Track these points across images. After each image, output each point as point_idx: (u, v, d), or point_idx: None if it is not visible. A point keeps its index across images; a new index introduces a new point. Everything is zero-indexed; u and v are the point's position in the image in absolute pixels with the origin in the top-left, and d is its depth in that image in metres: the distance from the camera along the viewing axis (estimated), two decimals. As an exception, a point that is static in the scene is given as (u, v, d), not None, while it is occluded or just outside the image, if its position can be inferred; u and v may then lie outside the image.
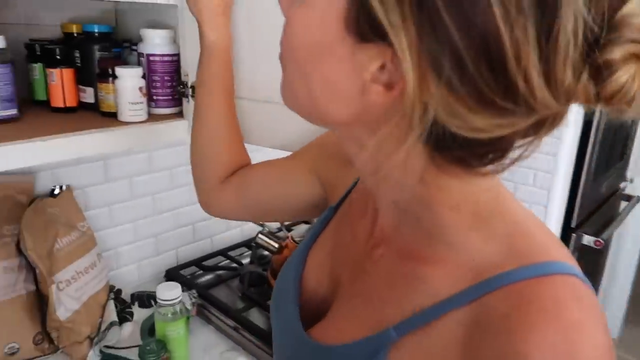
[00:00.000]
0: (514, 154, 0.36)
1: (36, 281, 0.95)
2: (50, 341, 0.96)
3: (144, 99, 0.84)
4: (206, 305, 1.10)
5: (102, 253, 1.11)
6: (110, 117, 0.85)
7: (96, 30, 0.86)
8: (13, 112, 0.77)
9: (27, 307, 0.94)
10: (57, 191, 1.03)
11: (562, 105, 0.32)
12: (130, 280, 1.20)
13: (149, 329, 1.01)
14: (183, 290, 1.12)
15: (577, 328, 0.34)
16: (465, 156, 0.37)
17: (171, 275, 1.21)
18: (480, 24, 0.30)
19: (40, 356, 0.95)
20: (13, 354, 0.91)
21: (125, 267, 1.20)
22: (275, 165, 0.69)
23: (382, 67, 0.34)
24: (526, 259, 0.37)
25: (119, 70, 0.80)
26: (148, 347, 0.83)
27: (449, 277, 0.39)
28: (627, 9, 0.30)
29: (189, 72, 0.84)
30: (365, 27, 0.34)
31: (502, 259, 0.38)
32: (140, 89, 0.82)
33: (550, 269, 0.36)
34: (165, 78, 0.88)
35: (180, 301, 0.89)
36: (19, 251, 0.93)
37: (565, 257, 0.38)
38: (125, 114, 0.82)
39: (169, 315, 0.87)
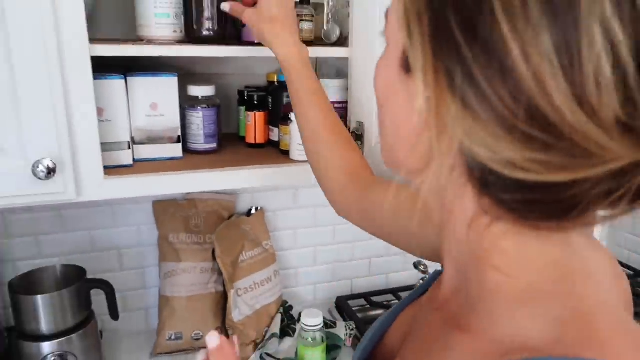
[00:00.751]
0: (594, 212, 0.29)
1: (223, 285, 1.14)
2: (227, 337, 1.13)
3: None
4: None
5: (282, 271, 1.25)
6: (285, 155, 0.97)
7: (284, 80, 1.00)
8: (213, 145, 0.96)
9: (213, 304, 1.13)
10: (252, 211, 1.22)
11: (618, 143, 0.25)
12: (304, 299, 1.31)
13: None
14: (344, 320, 1.18)
15: None
16: (515, 203, 0.31)
17: (340, 303, 1.28)
18: (488, 35, 0.27)
19: (217, 348, 1.13)
20: (197, 339, 1.11)
21: (302, 287, 1.32)
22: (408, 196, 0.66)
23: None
24: (570, 351, 0.30)
25: (292, 115, 0.92)
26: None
27: (478, 351, 0.34)
28: None
29: (356, 117, 0.91)
30: (406, 62, 0.34)
31: (543, 344, 0.31)
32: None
33: None
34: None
35: (320, 329, 0.94)
36: (214, 257, 1.13)
37: (625, 355, 0.30)
38: (294, 154, 0.93)
39: (309, 339, 0.94)
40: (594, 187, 0.28)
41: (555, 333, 0.31)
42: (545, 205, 0.30)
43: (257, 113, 1.00)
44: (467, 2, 0.28)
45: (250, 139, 1.02)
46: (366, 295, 1.31)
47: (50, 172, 0.73)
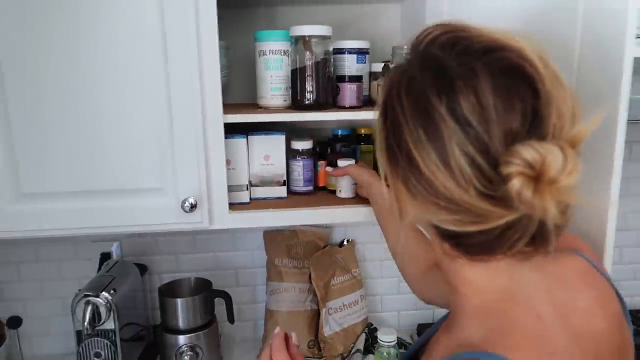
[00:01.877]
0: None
1: (317, 303, 1.35)
2: (318, 349, 1.34)
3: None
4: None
5: (369, 297, 1.43)
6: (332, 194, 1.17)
7: (339, 133, 1.22)
8: (310, 188, 1.19)
9: (308, 319, 1.35)
10: (344, 243, 1.42)
11: (489, 206, 0.46)
12: (389, 324, 1.47)
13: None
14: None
15: None
16: (460, 245, 0.52)
17: (421, 330, 1.43)
18: (411, 156, 0.50)
19: (310, 357, 1.34)
20: (294, 349, 1.33)
21: (387, 313, 1.48)
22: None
23: None
24: (490, 348, 0.48)
25: (339, 162, 1.12)
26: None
27: (449, 346, 0.54)
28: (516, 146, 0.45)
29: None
30: None
31: (478, 343, 0.50)
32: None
33: (479, 355, 0.48)
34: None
35: (394, 345, 1.11)
36: (310, 280, 1.35)
37: (514, 356, 0.47)
38: (340, 193, 1.15)
39: (384, 354, 1.11)
40: (502, 234, 0.46)
41: (486, 336, 0.50)
42: (478, 246, 0.50)
43: (322, 161, 1.21)
44: (401, 144, 0.51)
45: (322, 183, 1.22)
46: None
47: (193, 207, 1.00)
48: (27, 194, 0.99)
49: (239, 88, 1.27)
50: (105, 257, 1.36)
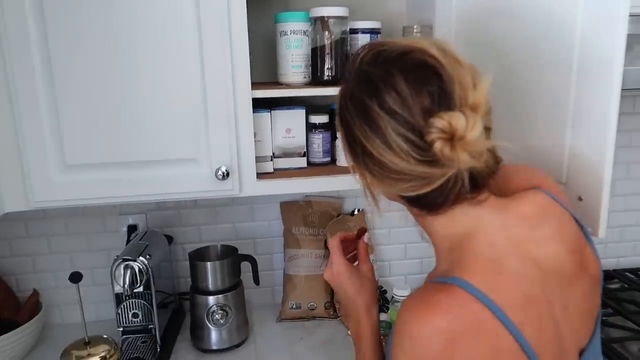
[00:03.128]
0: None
1: (333, 268, 1.45)
2: (334, 310, 1.45)
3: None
4: None
5: (378, 263, 1.54)
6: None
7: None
8: (328, 159, 1.29)
9: (324, 283, 1.45)
10: (355, 212, 1.53)
11: (429, 169, 0.61)
12: (397, 287, 1.58)
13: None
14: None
15: (422, 307, 0.59)
16: (422, 205, 0.68)
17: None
18: (364, 147, 0.65)
19: (326, 317, 1.45)
20: (312, 309, 1.43)
21: (395, 277, 1.60)
22: None
23: None
24: (450, 274, 0.63)
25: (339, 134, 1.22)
26: (381, 324, 1.19)
27: (430, 278, 0.68)
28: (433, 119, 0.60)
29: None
30: None
31: (444, 271, 0.66)
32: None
33: (445, 280, 0.62)
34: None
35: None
36: (325, 246, 1.45)
37: (466, 276, 0.61)
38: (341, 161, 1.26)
39: (399, 306, 1.22)
40: (447, 189, 0.63)
41: (449, 267, 0.65)
42: (434, 202, 0.66)
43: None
44: (352, 135, 0.67)
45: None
46: (449, 286, 1.55)
47: (224, 175, 1.10)
48: (71, 166, 1.07)
49: (258, 68, 1.36)
50: (131, 229, 1.45)
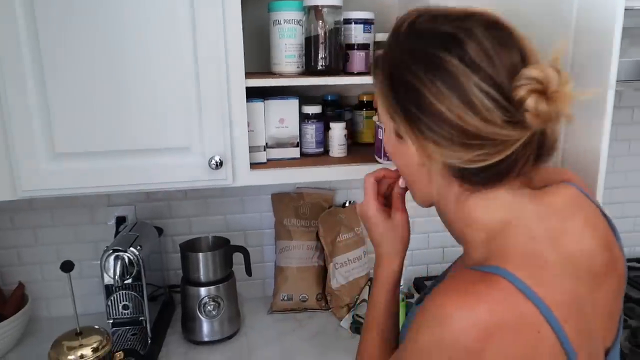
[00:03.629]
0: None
1: (324, 260, 1.45)
2: (325, 301, 1.45)
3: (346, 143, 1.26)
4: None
5: (370, 255, 1.54)
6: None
7: (329, 99, 1.34)
8: (321, 150, 1.28)
9: (316, 275, 1.45)
10: (347, 204, 1.53)
11: (511, 131, 0.56)
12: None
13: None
14: (419, 293, 1.45)
15: (461, 295, 0.55)
16: (480, 178, 0.61)
17: (417, 283, 1.55)
18: (432, 108, 0.59)
19: (317, 309, 1.44)
20: (304, 301, 1.43)
21: (386, 268, 1.60)
22: None
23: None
24: (487, 263, 0.60)
25: (331, 124, 1.24)
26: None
27: (457, 270, 0.67)
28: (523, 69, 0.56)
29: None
30: (398, 133, 0.66)
31: (481, 261, 0.61)
32: (345, 136, 1.25)
33: (486, 268, 0.58)
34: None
35: (400, 291, 1.22)
36: (317, 237, 1.45)
37: (510, 267, 0.57)
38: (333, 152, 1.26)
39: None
40: (516, 157, 0.58)
41: (488, 256, 0.61)
42: (496, 174, 0.60)
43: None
44: (414, 100, 0.60)
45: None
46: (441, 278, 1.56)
47: (218, 165, 1.08)
48: (61, 154, 1.05)
49: (250, 58, 1.34)
50: (120, 220, 1.43)
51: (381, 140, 1.17)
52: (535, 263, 0.58)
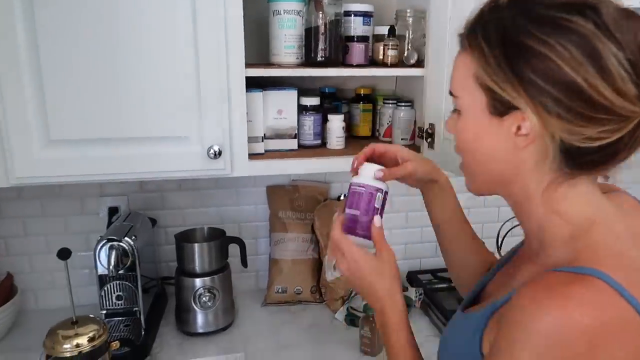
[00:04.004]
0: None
1: (319, 252, 1.45)
2: (320, 294, 1.44)
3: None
4: (429, 302, 1.40)
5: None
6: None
7: (327, 91, 1.35)
8: (318, 141, 1.28)
9: (310, 267, 1.45)
10: (342, 197, 1.53)
11: (636, 106, 0.52)
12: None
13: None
14: (412, 286, 1.45)
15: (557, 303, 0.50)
16: (587, 162, 0.56)
17: (411, 276, 1.56)
18: (561, 76, 0.53)
19: (312, 302, 1.44)
20: (298, 293, 1.43)
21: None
22: None
23: (519, 126, 0.57)
24: (576, 264, 0.54)
25: (329, 116, 1.24)
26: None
27: (532, 271, 0.61)
28: None
29: (428, 120, 1.19)
30: (500, 108, 0.58)
31: (566, 263, 0.56)
32: (343, 128, 1.26)
33: (577, 270, 0.53)
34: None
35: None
36: (312, 230, 1.45)
37: (604, 268, 0.52)
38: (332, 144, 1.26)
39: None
40: (627, 139, 0.54)
41: (575, 257, 0.56)
42: (604, 155, 0.56)
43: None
44: (538, 68, 0.53)
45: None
46: (433, 272, 1.57)
47: (217, 154, 1.07)
48: (56, 141, 1.03)
49: (249, 49, 1.33)
50: (113, 211, 1.41)
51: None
52: (627, 264, 0.55)
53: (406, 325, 0.73)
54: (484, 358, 0.59)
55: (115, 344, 0.93)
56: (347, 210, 0.79)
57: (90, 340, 0.88)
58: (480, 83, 0.59)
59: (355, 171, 0.84)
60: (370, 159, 0.87)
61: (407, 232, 1.61)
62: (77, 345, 0.86)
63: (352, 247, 0.75)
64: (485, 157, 0.63)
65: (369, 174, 0.81)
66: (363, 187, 0.79)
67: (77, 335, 0.87)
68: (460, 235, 0.90)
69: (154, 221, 1.40)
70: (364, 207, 0.78)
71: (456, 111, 0.66)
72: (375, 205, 0.79)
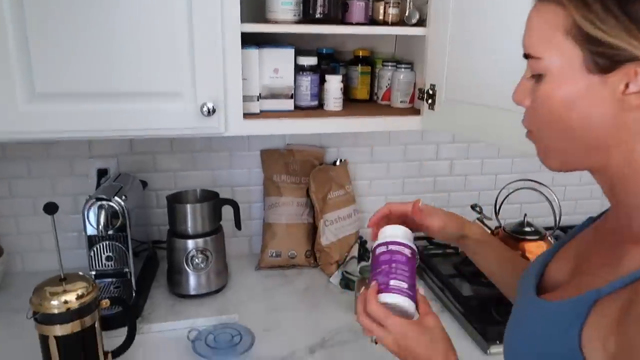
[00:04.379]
0: None
1: (314, 217, 1.43)
2: (314, 258, 1.43)
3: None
4: (424, 267, 1.39)
5: (359, 214, 1.53)
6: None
7: (324, 52, 1.31)
8: (315, 103, 1.24)
9: (305, 232, 1.43)
10: (337, 162, 1.50)
11: None
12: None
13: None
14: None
15: None
16: None
17: (405, 243, 1.54)
18: None
19: (306, 266, 1.43)
20: (293, 258, 1.41)
21: (374, 229, 1.59)
22: None
23: (627, 83, 0.49)
24: None
25: (326, 76, 1.21)
26: (367, 267, 1.19)
27: None
28: None
29: (429, 80, 1.16)
30: (604, 64, 0.49)
31: None
32: (341, 89, 1.22)
33: None
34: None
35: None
36: (307, 194, 1.42)
37: None
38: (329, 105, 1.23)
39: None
40: None
41: None
42: None
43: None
44: None
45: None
46: (428, 238, 1.55)
47: (210, 112, 1.03)
48: (41, 94, 0.98)
49: (244, 7, 1.28)
50: (102, 173, 1.37)
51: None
52: None
53: None
54: (584, 353, 0.51)
55: (106, 302, 0.91)
56: (379, 277, 0.72)
57: (79, 297, 0.85)
58: (574, 36, 0.50)
59: (374, 234, 0.80)
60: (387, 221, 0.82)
61: (403, 199, 1.59)
62: (66, 302, 0.84)
63: (396, 320, 0.68)
64: (578, 125, 0.53)
65: (396, 232, 0.76)
66: (394, 245, 0.74)
67: (65, 292, 0.85)
68: (508, 271, 0.84)
69: (144, 183, 1.37)
70: (401, 267, 0.72)
71: (533, 77, 0.56)
72: (410, 265, 0.73)
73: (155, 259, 1.42)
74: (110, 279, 1.19)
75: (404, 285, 0.70)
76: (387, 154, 1.54)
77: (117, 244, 1.15)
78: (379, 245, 0.75)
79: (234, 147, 1.45)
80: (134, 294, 1.17)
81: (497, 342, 1.09)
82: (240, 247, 1.52)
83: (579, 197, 1.76)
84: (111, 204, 1.12)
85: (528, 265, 0.73)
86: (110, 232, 1.14)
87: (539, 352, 0.57)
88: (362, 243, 1.47)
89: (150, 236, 1.44)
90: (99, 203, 1.11)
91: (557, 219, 1.31)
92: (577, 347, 0.52)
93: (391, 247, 0.73)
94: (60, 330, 0.85)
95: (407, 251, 0.74)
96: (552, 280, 0.66)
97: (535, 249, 1.26)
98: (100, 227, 1.10)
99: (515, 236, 1.28)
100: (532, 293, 0.64)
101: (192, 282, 1.23)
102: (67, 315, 0.85)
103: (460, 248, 0.88)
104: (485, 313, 1.18)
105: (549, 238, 1.29)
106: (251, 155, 1.46)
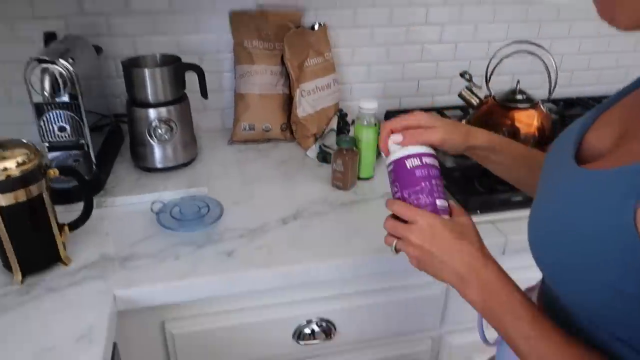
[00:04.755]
0: None
1: (290, 87, 1.31)
2: (290, 132, 1.34)
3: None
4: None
5: (339, 85, 1.41)
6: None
7: None
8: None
9: (280, 103, 1.32)
10: (316, 27, 1.34)
11: None
12: (363, 101, 1.48)
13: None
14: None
15: None
16: None
17: (389, 116, 1.45)
18: None
19: (282, 140, 1.34)
20: (267, 131, 1.32)
21: (356, 102, 1.46)
22: None
23: None
24: None
25: None
26: (345, 138, 1.10)
27: None
28: None
29: None
30: None
31: None
32: None
33: None
34: None
35: (374, 114, 1.12)
36: (282, 62, 1.29)
37: None
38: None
39: (364, 121, 1.12)
40: None
41: None
42: None
43: None
44: None
45: None
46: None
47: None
48: None
49: None
50: (50, 37, 1.21)
51: None
52: None
53: (514, 283, 0.59)
54: (638, 229, 0.43)
55: (54, 171, 0.82)
56: (421, 195, 0.65)
57: (20, 164, 0.76)
58: None
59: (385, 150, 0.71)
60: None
61: (387, 69, 1.47)
62: (5, 169, 0.75)
63: (419, 211, 0.64)
64: None
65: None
66: (427, 158, 0.67)
67: (3, 158, 0.76)
68: (525, 172, 0.76)
69: (99, 49, 1.22)
70: (439, 183, 0.67)
71: None
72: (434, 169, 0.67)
73: (119, 132, 1.32)
74: (67, 152, 1.09)
75: (446, 204, 0.67)
76: (372, 17, 1.39)
77: (69, 113, 1.04)
78: (410, 156, 0.66)
79: (199, 7, 1.28)
80: (94, 167, 1.09)
81: (478, 211, 1.05)
82: (212, 121, 1.42)
83: (576, 67, 1.65)
84: (56, 66, 0.99)
85: (559, 135, 0.63)
86: (60, 99, 1.02)
87: (581, 232, 0.49)
88: (342, 116, 1.37)
89: (112, 109, 1.32)
90: (42, 66, 0.98)
91: (552, 85, 1.21)
92: (631, 222, 0.44)
93: (425, 159, 0.66)
94: (3, 199, 0.78)
95: (437, 163, 0.68)
96: (593, 148, 0.57)
97: (526, 118, 1.18)
98: (45, 92, 0.98)
99: (505, 104, 1.18)
100: (572, 162, 0.55)
101: (157, 154, 1.14)
102: (9, 184, 0.77)
103: (470, 157, 0.79)
104: (469, 185, 1.13)
105: (541, 107, 1.19)
106: (219, 18, 1.30)
